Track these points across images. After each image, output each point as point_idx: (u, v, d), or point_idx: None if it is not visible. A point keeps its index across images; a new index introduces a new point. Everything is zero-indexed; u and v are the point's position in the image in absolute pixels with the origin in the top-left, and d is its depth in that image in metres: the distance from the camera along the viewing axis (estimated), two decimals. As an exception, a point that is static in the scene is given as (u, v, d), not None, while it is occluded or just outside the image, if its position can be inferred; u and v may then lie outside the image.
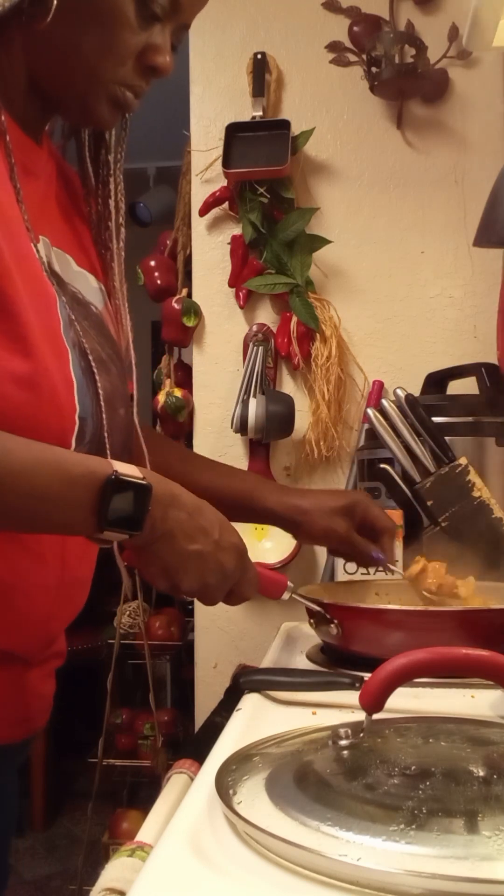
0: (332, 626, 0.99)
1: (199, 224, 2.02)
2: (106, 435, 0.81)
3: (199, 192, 2.01)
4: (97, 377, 0.80)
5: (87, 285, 0.88)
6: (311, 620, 1.05)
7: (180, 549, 0.74)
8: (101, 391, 0.81)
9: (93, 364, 0.80)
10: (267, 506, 1.09)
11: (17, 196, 0.76)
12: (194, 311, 1.99)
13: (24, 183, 0.78)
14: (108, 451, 0.81)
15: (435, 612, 1.00)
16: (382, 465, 1.42)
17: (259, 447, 1.94)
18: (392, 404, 1.43)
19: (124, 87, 0.81)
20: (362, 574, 1.31)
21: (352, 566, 1.32)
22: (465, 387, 1.69)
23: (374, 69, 1.85)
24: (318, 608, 1.01)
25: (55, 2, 0.74)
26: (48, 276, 0.78)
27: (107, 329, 0.89)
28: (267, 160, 1.87)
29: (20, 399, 0.71)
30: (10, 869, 0.97)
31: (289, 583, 0.95)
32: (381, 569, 1.21)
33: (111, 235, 0.93)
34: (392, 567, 1.14)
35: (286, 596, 0.95)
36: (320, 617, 1.01)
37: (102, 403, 0.81)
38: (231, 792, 0.57)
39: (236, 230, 1.97)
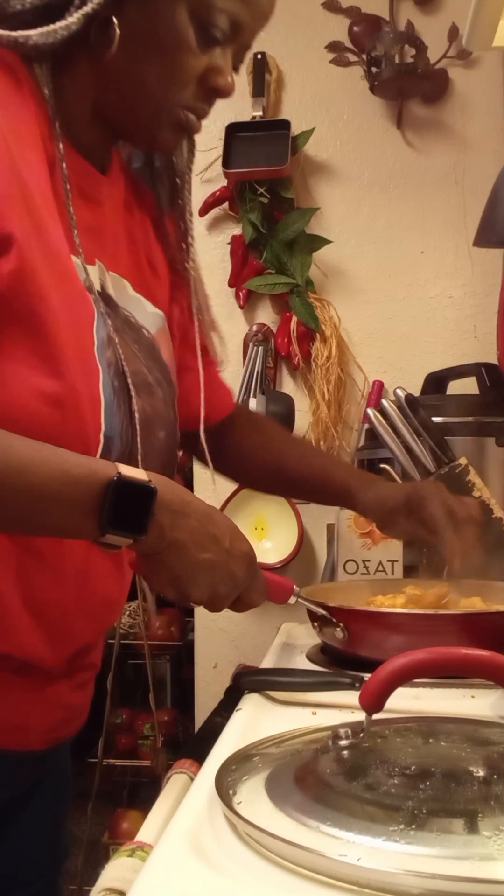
0: (338, 629, 0.99)
1: (199, 224, 2.02)
2: (140, 457, 0.81)
3: (199, 192, 2.01)
4: (133, 398, 0.80)
5: (143, 310, 0.89)
6: (315, 624, 1.04)
7: (191, 559, 0.73)
8: (136, 412, 0.81)
9: (130, 385, 0.80)
10: (356, 504, 1.14)
11: (71, 221, 0.78)
12: (194, 311, 1.99)
13: (82, 208, 0.80)
14: None
15: (442, 616, 1.00)
16: (382, 465, 1.42)
17: (259, 447, 1.94)
18: (392, 404, 1.43)
19: (187, 110, 0.82)
20: (362, 574, 1.31)
21: (352, 566, 1.32)
22: (465, 387, 1.69)
23: (374, 69, 1.85)
24: (323, 612, 1.00)
25: (118, 31, 0.76)
26: (94, 296, 0.79)
27: (158, 353, 0.90)
28: (267, 160, 1.87)
29: (46, 416, 0.71)
30: (67, 850, 1.01)
31: (294, 587, 0.95)
32: (380, 568, 1.22)
33: (184, 255, 0.96)
34: (450, 568, 1.10)
35: (292, 600, 0.95)
36: (325, 620, 1.00)
37: (137, 425, 0.81)
38: (231, 792, 0.57)
39: (236, 230, 1.97)
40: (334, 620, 0.99)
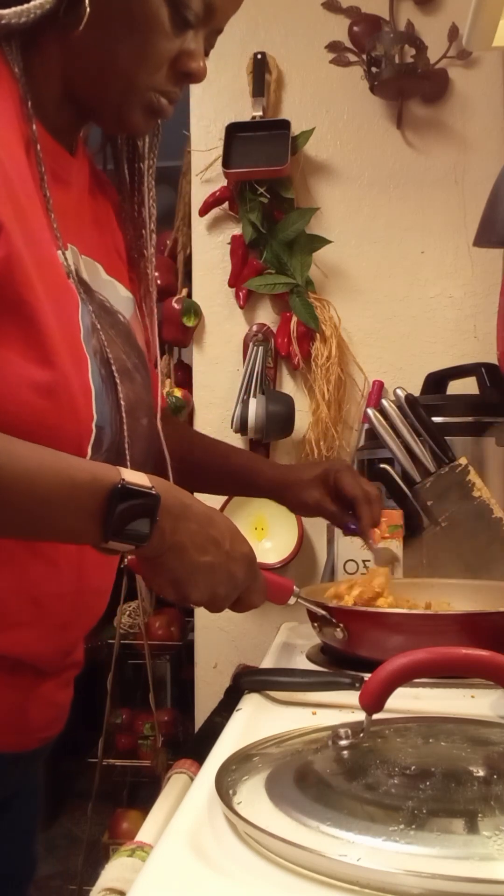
0: (338, 630, 0.99)
1: (199, 224, 2.02)
2: (126, 445, 0.81)
3: (199, 192, 2.01)
4: (119, 386, 0.80)
5: (116, 294, 0.88)
6: (315, 624, 1.04)
7: (191, 561, 0.72)
8: (122, 400, 0.80)
9: (115, 373, 0.80)
10: (260, 481, 1.15)
11: (47, 204, 0.77)
12: (194, 311, 2.00)
13: (55, 191, 0.79)
14: (129, 461, 0.81)
15: (442, 616, 1.00)
16: (382, 465, 1.42)
17: (259, 447, 1.94)
18: (392, 404, 1.43)
19: (159, 93, 0.81)
20: (362, 574, 1.31)
21: (352, 566, 1.32)
22: (465, 387, 1.69)
23: (374, 69, 1.85)
24: (323, 612, 1.00)
25: (88, 9, 0.74)
26: (74, 283, 0.79)
27: (134, 338, 0.89)
28: (267, 160, 1.87)
29: (39, 406, 0.71)
30: (36, 857, 0.98)
31: (294, 587, 0.95)
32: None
33: (145, 243, 0.94)
34: (368, 539, 1.14)
35: (292, 601, 0.95)
36: (325, 621, 1.00)
37: (124, 413, 0.80)
38: (231, 792, 0.57)
39: (236, 230, 1.97)
40: (334, 621, 0.99)
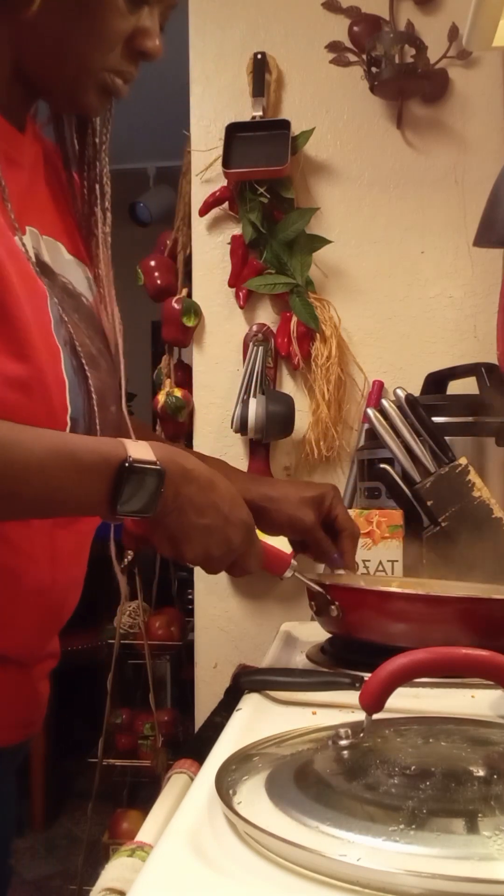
0: (333, 607, 0.98)
1: (199, 224, 2.02)
2: (98, 436, 0.81)
3: (199, 192, 2.01)
4: (89, 376, 0.80)
5: (79, 275, 0.87)
6: (312, 603, 1.04)
7: (188, 523, 0.75)
8: (93, 390, 0.80)
9: (84, 363, 0.79)
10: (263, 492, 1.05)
11: (3, 193, 0.75)
12: (194, 311, 2.00)
13: (8, 174, 0.76)
14: None
15: (439, 598, 0.99)
16: (382, 465, 1.42)
17: (259, 447, 1.94)
18: (392, 404, 1.43)
19: (113, 73, 0.80)
20: (362, 574, 1.31)
21: (350, 567, 1.32)
22: (465, 387, 1.69)
23: (374, 69, 1.85)
24: (319, 588, 1.00)
25: None
26: (36, 271, 0.77)
27: (97, 321, 0.87)
28: (267, 160, 1.87)
29: (12, 401, 0.71)
30: (11, 869, 0.97)
31: (293, 560, 0.95)
32: (381, 569, 1.21)
33: (97, 221, 0.90)
34: (350, 573, 1.06)
35: (289, 573, 0.95)
36: (321, 599, 1.00)
37: (95, 404, 0.80)
38: (231, 792, 0.57)
39: (236, 230, 1.97)
40: (329, 598, 0.99)
